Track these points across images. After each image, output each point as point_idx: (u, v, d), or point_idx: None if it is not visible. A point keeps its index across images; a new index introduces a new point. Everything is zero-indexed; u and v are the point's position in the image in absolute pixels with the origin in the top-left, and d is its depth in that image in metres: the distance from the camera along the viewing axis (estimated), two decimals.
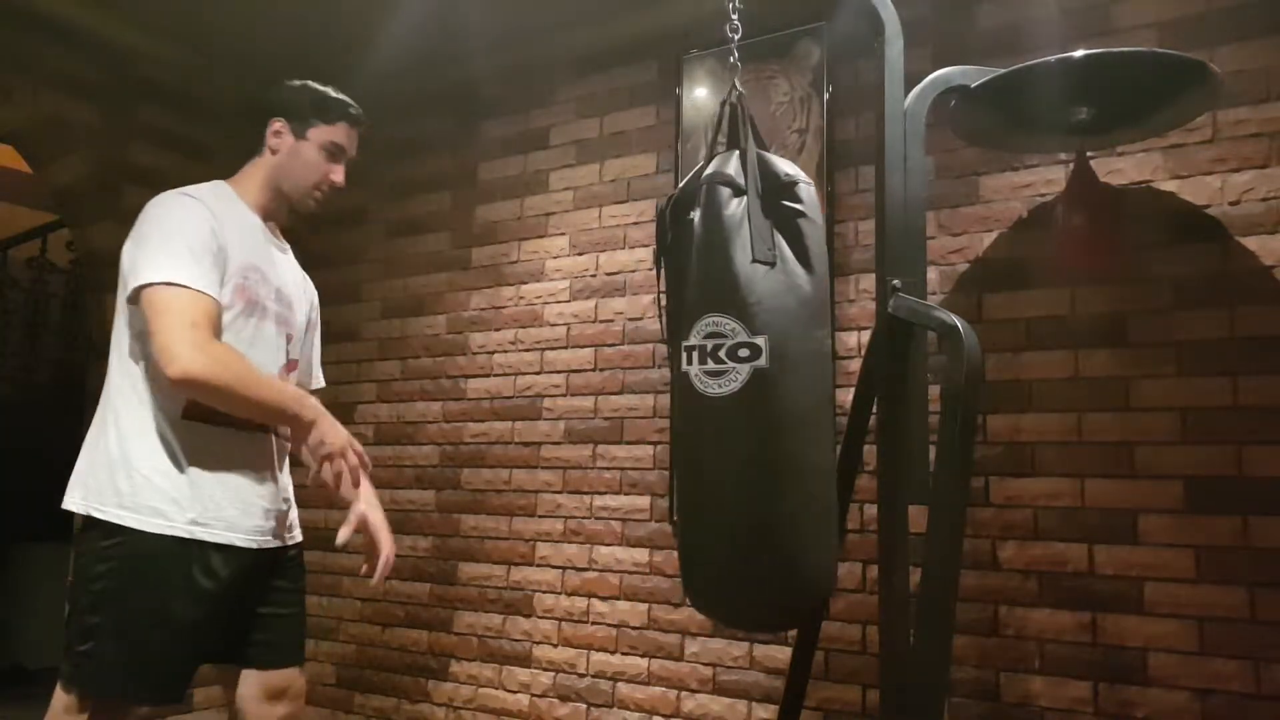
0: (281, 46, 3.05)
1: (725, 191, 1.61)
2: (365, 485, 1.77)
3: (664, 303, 1.75)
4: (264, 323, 1.73)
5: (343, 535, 1.68)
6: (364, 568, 1.75)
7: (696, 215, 1.63)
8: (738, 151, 1.66)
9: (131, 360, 1.66)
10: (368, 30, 2.92)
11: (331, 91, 1.83)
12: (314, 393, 1.94)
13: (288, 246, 1.91)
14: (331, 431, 1.63)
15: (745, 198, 1.59)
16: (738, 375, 1.55)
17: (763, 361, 1.54)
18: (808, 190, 1.65)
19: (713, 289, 1.59)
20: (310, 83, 1.83)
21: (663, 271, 1.75)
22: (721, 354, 1.57)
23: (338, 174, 1.82)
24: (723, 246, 1.58)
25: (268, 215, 1.83)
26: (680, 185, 1.72)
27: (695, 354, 1.60)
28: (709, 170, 1.65)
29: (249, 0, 2.85)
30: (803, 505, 1.58)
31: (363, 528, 1.71)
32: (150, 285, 1.54)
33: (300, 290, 1.88)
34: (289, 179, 1.79)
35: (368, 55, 2.98)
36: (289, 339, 1.80)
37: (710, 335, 1.58)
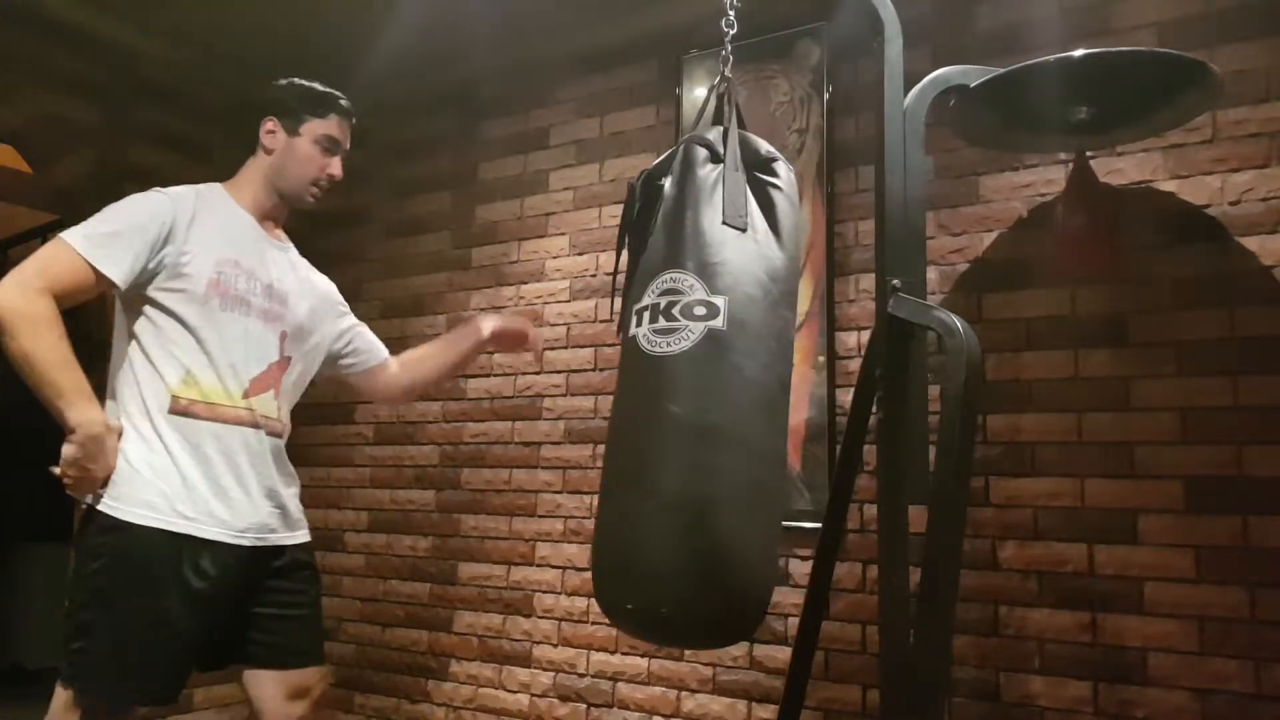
0: (281, 47, 3.05)
1: (701, 153, 1.54)
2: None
3: (624, 274, 1.65)
4: (248, 318, 1.74)
5: (487, 329, 2.04)
6: (526, 345, 2.14)
7: (668, 181, 1.56)
8: (719, 126, 1.61)
9: (127, 358, 1.70)
10: (368, 30, 2.92)
11: (320, 86, 1.84)
12: (377, 369, 2.05)
13: (289, 246, 1.92)
14: (82, 453, 1.55)
15: (721, 165, 1.53)
16: (690, 334, 1.41)
17: (719, 323, 1.41)
18: (786, 169, 1.60)
19: (674, 246, 1.48)
20: (299, 79, 1.84)
21: (627, 243, 1.66)
22: (675, 311, 1.43)
23: (335, 167, 1.84)
24: (692, 206, 1.49)
25: (264, 214, 1.85)
26: (655, 162, 1.65)
27: (646, 314, 1.47)
28: (687, 136, 1.60)
29: (249, 0, 2.85)
30: (744, 491, 1.39)
31: (499, 335, 2.08)
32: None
33: (302, 288, 1.89)
34: (285, 176, 1.82)
35: (368, 55, 2.98)
36: (283, 336, 1.81)
37: (665, 292, 1.45)
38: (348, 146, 1.88)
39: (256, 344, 1.75)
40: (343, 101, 1.85)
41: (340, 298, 2.06)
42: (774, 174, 1.58)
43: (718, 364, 1.41)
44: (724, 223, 1.47)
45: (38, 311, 1.53)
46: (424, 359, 2.09)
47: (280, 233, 1.91)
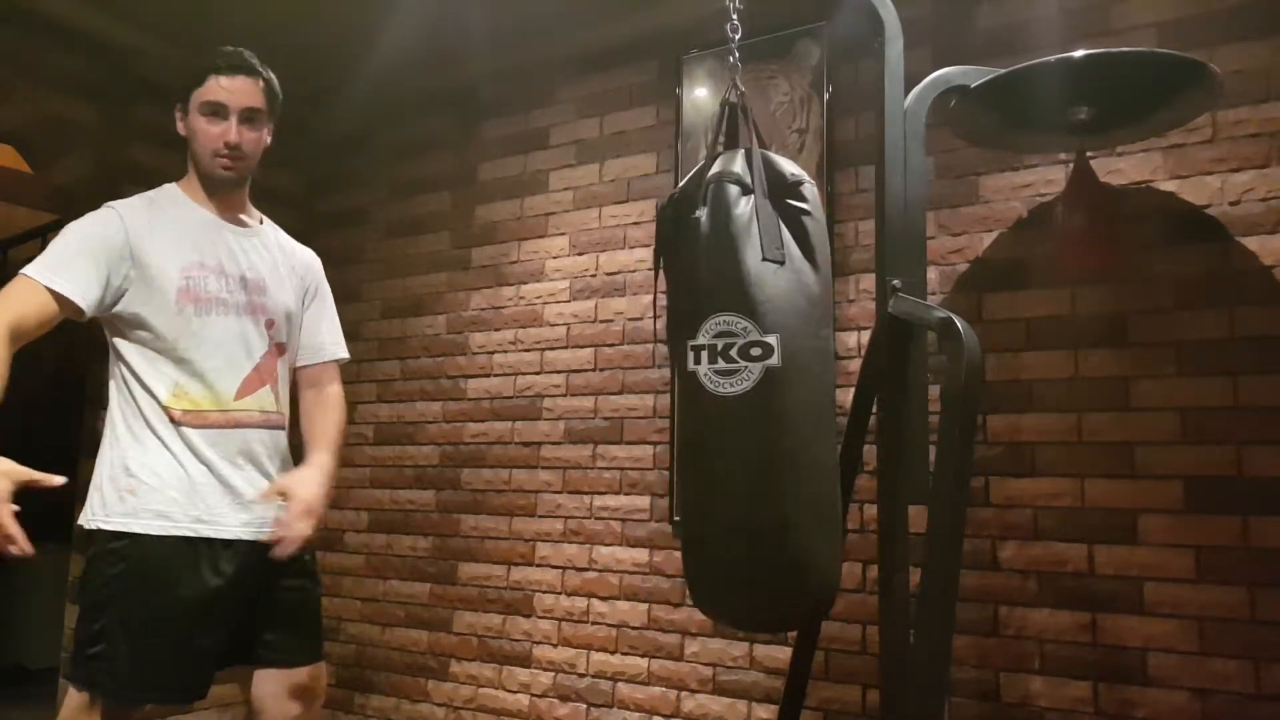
0: (282, 47, 3.04)
1: (734, 190, 1.61)
2: (314, 467, 1.75)
3: (665, 302, 1.73)
4: (227, 318, 1.72)
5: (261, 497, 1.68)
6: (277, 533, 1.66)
7: (703, 214, 1.63)
8: (742, 150, 1.67)
9: (118, 370, 1.70)
10: (369, 31, 2.92)
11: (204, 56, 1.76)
12: (332, 363, 1.94)
13: (258, 228, 1.86)
14: None
15: (753, 196, 1.60)
16: (750, 374, 1.56)
17: (775, 360, 1.55)
18: (811, 190, 1.67)
19: (723, 288, 1.59)
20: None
21: (663, 271, 1.73)
22: (733, 353, 1.57)
23: (229, 132, 1.72)
24: (732, 245, 1.58)
25: (217, 202, 1.79)
26: (681, 184, 1.71)
27: (705, 353, 1.60)
28: (715, 169, 1.65)
29: (250, 1, 2.85)
30: (813, 505, 1.59)
31: (282, 496, 1.67)
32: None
33: (281, 271, 1.84)
34: (196, 157, 1.77)
35: (369, 56, 2.97)
36: (270, 324, 1.78)
37: (721, 334, 1.58)
38: (252, 104, 1.74)
39: (241, 343, 1.73)
40: (217, 60, 1.73)
41: (318, 276, 1.95)
42: (802, 198, 1.65)
43: (779, 398, 1.56)
44: (764, 259, 1.57)
45: None
46: (310, 426, 1.90)
47: (247, 215, 1.84)
